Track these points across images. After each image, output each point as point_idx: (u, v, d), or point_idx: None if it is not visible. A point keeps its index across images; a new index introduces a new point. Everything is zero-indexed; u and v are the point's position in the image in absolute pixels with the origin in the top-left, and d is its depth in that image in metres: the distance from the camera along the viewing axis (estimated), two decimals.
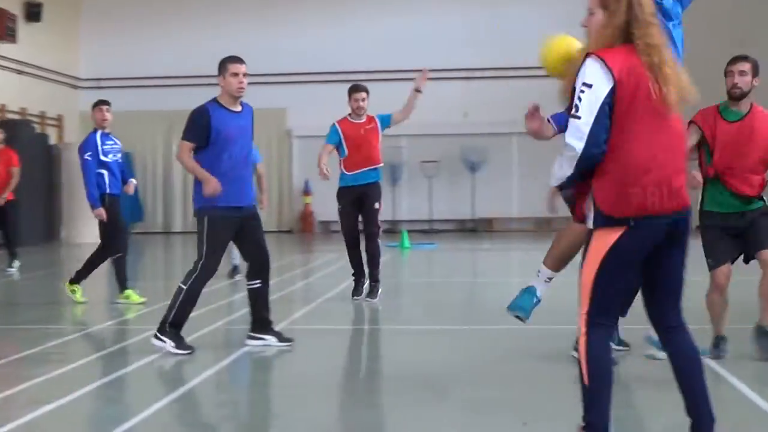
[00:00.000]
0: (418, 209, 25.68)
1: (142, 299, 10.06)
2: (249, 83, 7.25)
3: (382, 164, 10.13)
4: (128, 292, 10.11)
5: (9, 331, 8.75)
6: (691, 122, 6.41)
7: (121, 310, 9.66)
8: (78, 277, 10.21)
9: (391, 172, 23.98)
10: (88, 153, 9.95)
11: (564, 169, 3.85)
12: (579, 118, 3.79)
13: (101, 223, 10.04)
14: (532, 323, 8.59)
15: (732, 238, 6.46)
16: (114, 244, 10.06)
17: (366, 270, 10.17)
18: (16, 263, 14.02)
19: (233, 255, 12.05)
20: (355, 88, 10.19)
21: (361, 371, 6.57)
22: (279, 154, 26.11)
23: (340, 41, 25.51)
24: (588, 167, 3.84)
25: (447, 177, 25.45)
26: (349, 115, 10.14)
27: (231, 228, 7.17)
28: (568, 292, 6.47)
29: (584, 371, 3.90)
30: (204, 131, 7.07)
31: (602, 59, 3.84)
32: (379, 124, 10.09)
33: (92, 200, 9.92)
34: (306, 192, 25.85)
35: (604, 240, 3.85)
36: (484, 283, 13.10)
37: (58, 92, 25.02)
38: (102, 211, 9.86)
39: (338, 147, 10.03)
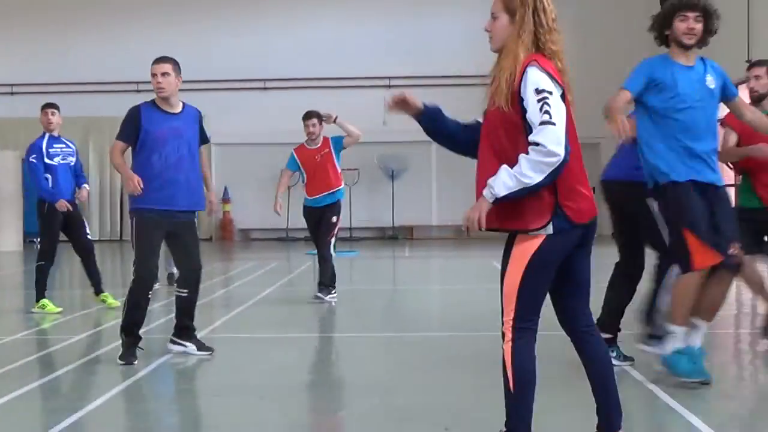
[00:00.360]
0: None
1: (58, 309, 9.88)
2: None
3: (341, 186, 10.64)
4: (44, 301, 9.93)
5: None
6: (722, 123, 6.58)
7: (37, 320, 9.48)
8: (96, 286, 10.16)
9: None
10: (33, 155, 9.98)
11: (531, 177, 3.72)
12: (554, 124, 3.72)
13: (41, 226, 9.99)
14: (454, 330, 8.66)
15: (755, 233, 6.57)
16: (45, 250, 9.97)
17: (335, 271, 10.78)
18: None
19: (170, 262, 11.89)
20: (306, 116, 10.69)
21: (282, 379, 6.54)
22: None
23: (259, 49, 25.39)
24: (559, 174, 3.77)
25: (367, 185, 25.51)
26: (305, 141, 10.66)
27: (159, 232, 7.04)
28: (489, 299, 6.54)
29: (510, 378, 3.91)
30: (133, 131, 6.97)
31: (544, 68, 3.82)
32: (333, 148, 10.61)
33: (47, 194, 9.87)
34: (225, 199, 25.65)
35: (529, 243, 3.86)
36: (405, 291, 13.18)
37: None
38: (64, 203, 9.85)
39: (299, 172, 10.63)
